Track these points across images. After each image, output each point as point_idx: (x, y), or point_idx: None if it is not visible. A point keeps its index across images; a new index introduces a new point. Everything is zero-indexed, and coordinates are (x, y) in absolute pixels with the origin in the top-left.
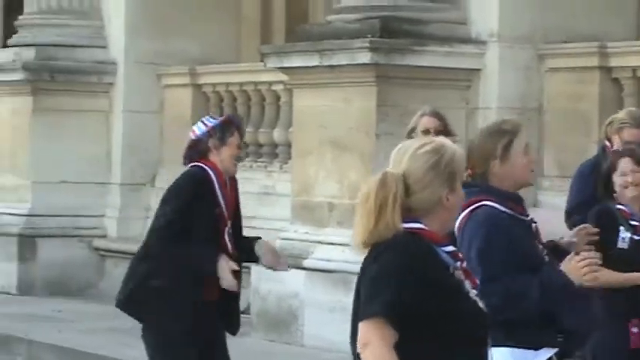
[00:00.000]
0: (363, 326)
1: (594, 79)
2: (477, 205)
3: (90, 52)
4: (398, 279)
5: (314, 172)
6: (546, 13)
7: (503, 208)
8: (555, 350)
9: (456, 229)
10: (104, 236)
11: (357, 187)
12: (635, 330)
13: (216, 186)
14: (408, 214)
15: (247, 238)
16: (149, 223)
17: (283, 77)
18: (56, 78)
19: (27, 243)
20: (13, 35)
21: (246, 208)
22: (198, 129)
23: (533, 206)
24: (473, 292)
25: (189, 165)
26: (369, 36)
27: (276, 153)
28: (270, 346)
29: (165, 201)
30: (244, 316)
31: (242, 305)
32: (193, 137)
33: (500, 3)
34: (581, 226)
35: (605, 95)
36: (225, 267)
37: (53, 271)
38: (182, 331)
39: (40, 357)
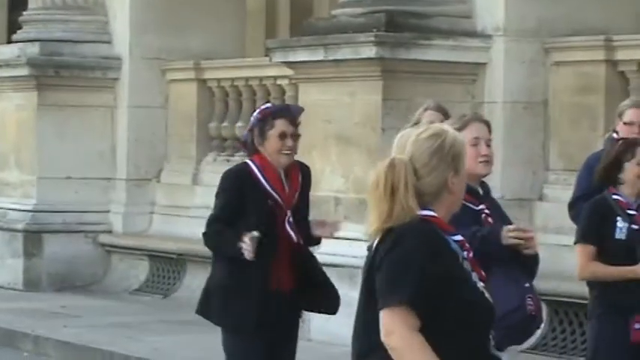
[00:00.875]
0: (386, 314)
1: (600, 72)
2: None
3: (94, 48)
4: (422, 267)
5: (320, 167)
6: (552, 6)
7: None
8: None
9: None
10: (109, 232)
11: (362, 182)
12: (637, 326)
13: (262, 179)
14: (419, 200)
15: (309, 222)
16: (154, 218)
17: (288, 72)
18: (61, 73)
19: (32, 239)
20: (18, 31)
21: None
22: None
23: (539, 200)
24: (480, 284)
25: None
26: (374, 30)
27: None
28: None
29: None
30: None
31: None
32: (242, 139)
33: None
34: (513, 226)
35: (611, 89)
36: (244, 240)
37: (59, 266)
38: (245, 326)
39: (45, 352)
